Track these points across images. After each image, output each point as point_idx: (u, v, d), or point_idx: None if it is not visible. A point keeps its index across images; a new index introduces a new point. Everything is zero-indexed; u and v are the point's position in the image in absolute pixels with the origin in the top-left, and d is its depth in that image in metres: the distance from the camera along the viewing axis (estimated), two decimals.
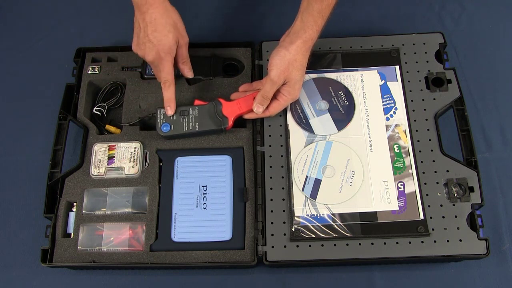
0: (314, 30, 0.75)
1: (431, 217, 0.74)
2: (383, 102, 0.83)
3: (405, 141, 0.80)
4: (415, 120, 0.81)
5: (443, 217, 0.74)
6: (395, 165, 0.78)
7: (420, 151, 0.79)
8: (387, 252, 0.73)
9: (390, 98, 0.83)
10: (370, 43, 0.88)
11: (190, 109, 0.80)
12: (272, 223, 0.75)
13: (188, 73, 0.83)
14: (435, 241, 0.73)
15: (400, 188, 0.77)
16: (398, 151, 0.79)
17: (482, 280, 0.76)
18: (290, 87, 0.77)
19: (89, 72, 0.88)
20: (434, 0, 1.01)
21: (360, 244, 0.73)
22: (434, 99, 0.83)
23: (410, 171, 0.78)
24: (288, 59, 0.75)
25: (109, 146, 0.81)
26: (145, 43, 0.76)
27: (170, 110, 0.80)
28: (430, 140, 0.80)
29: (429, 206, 0.75)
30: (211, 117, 0.80)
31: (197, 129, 0.80)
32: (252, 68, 0.87)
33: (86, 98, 0.86)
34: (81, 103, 0.85)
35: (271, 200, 0.77)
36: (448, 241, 0.73)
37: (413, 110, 0.82)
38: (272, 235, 0.75)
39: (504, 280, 0.76)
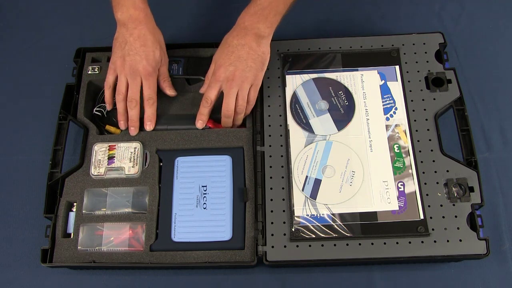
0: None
1: (431, 217, 0.74)
2: (383, 102, 0.83)
3: (405, 141, 0.80)
4: (415, 120, 0.81)
5: (443, 217, 0.74)
6: (395, 165, 0.78)
7: (420, 151, 0.79)
8: (387, 252, 0.73)
9: (390, 98, 0.83)
10: (370, 43, 0.88)
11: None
12: (272, 223, 0.75)
13: (170, 91, 0.84)
14: (435, 241, 0.73)
15: (400, 188, 0.77)
16: (398, 151, 0.79)
17: (482, 280, 0.76)
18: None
19: (89, 72, 0.88)
20: (434, 0, 1.01)
21: (360, 244, 0.73)
22: (434, 99, 0.83)
23: (410, 171, 0.78)
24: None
25: (109, 146, 0.81)
26: (132, 55, 0.77)
27: (150, 125, 0.81)
28: (430, 140, 0.80)
29: (429, 206, 0.75)
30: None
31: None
32: None
33: (86, 98, 0.86)
34: (81, 103, 0.85)
35: (271, 200, 0.77)
36: (448, 241, 0.73)
37: (413, 110, 0.82)
38: (272, 235, 0.75)
39: (504, 280, 0.76)
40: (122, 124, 0.82)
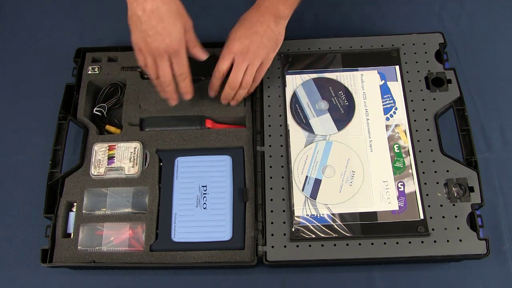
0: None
1: (431, 217, 0.74)
2: (383, 102, 0.83)
3: (405, 141, 0.80)
4: (415, 120, 0.81)
5: (443, 217, 0.74)
6: (395, 165, 0.78)
7: (420, 151, 0.79)
8: (387, 252, 0.73)
9: (390, 98, 0.83)
10: (370, 43, 0.88)
11: None
12: (272, 223, 0.75)
13: (202, 55, 0.78)
14: (435, 241, 0.73)
15: (400, 188, 0.77)
16: (398, 151, 0.79)
17: (482, 280, 0.76)
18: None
19: (89, 72, 0.88)
20: (434, 0, 1.01)
21: (360, 244, 0.73)
22: (434, 99, 0.83)
23: (410, 171, 0.78)
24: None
25: (109, 146, 0.81)
26: (153, 36, 0.69)
27: (188, 95, 0.79)
28: (430, 140, 0.80)
29: (429, 206, 0.75)
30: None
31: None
32: None
33: (86, 98, 0.86)
34: (81, 103, 0.85)
35: (271, 200, 0.77)
36: (448, 241, 0.73)
37: (413, 110, 0.82)
38: (272, 235, 0.75)
39: (504, 280, 0.76)
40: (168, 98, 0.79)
